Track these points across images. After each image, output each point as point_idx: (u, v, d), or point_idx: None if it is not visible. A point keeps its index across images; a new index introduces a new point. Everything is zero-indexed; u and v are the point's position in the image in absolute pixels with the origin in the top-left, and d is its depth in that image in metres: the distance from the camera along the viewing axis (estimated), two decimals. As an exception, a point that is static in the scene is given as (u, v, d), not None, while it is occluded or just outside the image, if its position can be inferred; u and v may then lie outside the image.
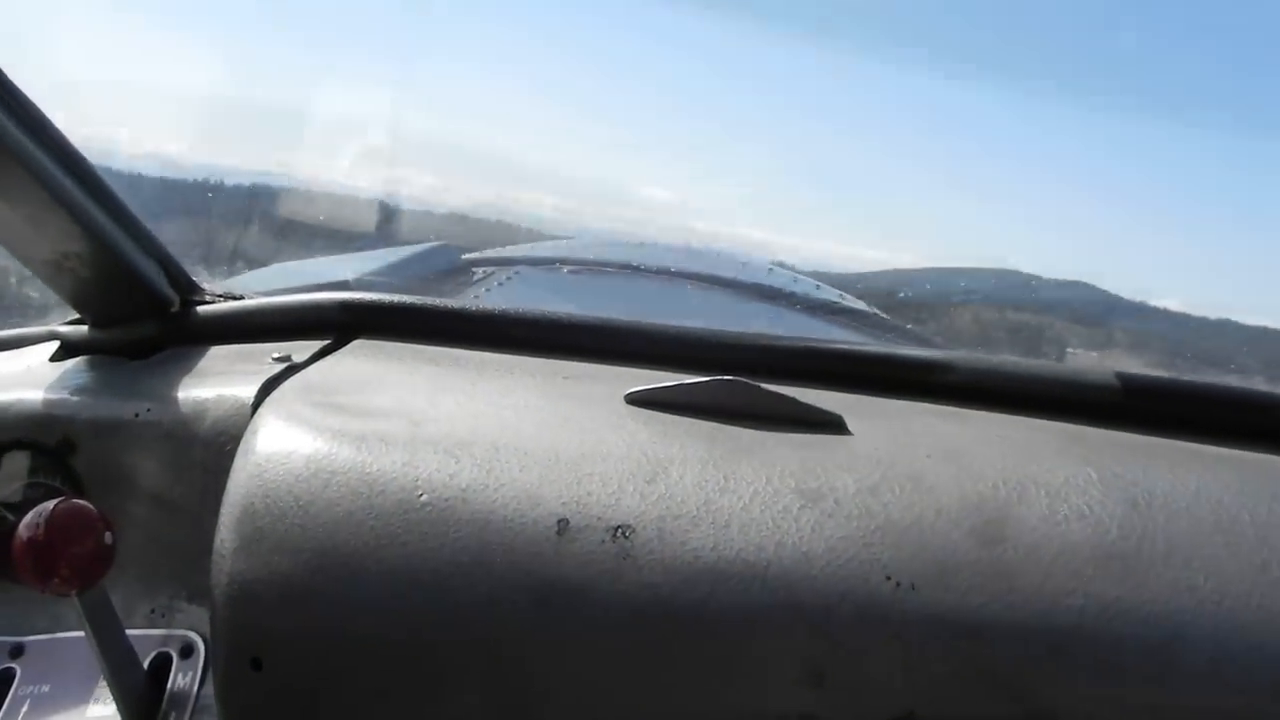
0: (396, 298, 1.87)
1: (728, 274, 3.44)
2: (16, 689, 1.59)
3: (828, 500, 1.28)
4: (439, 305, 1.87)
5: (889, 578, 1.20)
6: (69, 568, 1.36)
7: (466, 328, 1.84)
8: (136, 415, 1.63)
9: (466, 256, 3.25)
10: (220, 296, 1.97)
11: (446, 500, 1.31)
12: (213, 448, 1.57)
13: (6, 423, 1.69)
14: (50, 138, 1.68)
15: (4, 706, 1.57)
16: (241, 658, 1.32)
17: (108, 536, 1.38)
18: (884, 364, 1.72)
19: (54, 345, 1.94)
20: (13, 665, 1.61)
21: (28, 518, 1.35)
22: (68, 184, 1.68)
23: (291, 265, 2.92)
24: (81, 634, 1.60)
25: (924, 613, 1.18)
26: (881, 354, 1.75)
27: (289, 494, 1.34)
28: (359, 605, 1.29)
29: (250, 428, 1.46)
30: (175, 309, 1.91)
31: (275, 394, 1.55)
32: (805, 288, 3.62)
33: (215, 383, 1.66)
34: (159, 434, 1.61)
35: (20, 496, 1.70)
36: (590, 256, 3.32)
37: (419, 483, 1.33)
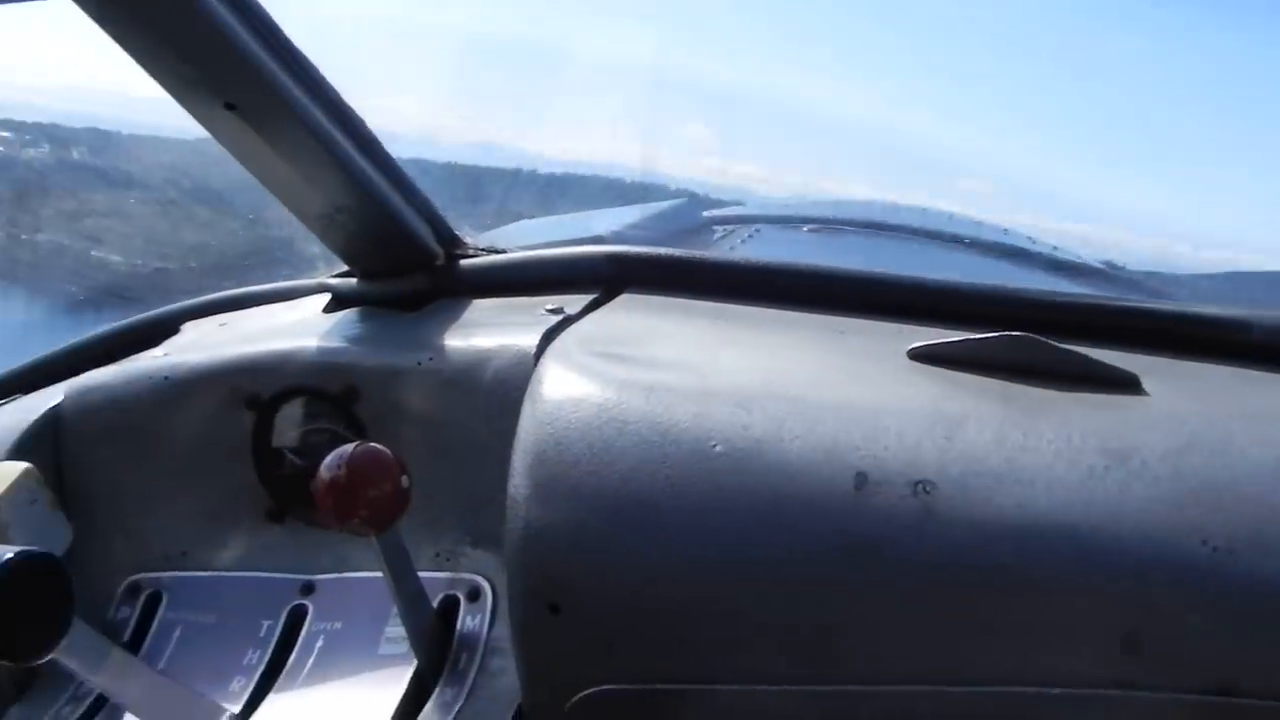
0: (665, 251, 1.93)
1: (968, 233, 3.41)
2: (310, 624, 1.71)
3: (1134, 461, 1.27)
4: (708, 259, 1.93)
5: (1205, 542, 1.19)
6: (368, 509, 1.45)
7: (736, 282, 1.88)
8: (419, 364, 1.73)
9: (708, 214, 3.30)
10: (482, 250, 2.06)
11: (740, 451, 1.36)
12: (495, 396, 1.66)
13: (290, 370, 1.82)
14: (326, 95, 1.79)
15: (299, 640, 1.70)
16: (539, 603, 1.41)
17: (405, 480, 1.47)
18: (1178, 322, 1.70)
19: (325, 297, 2.07)
20: (304, 602, 1.74)
21: (328, 460, 1.46)
22: (342, 140, 1.79)
23: (541, 221, 3.03)
24: (368, 574, 1.73)
25: (1244, 579, 1.18)
26: (1174, 312, 1.72)
27: (581, 441, 1.41)
28: (656, 553, 1.35)
29: (535, 377, 1.54)
30: (440, 262, 2.02)
31: (556, 344, 1.63)
32: (1043, 248, 3.56)
33: (493, 333, 1.74)
34: (441, 382, 1.71)
35: (301, 442, 1.83)
36: (828, 215, 3.33)
37: (712, 434, 1.38)
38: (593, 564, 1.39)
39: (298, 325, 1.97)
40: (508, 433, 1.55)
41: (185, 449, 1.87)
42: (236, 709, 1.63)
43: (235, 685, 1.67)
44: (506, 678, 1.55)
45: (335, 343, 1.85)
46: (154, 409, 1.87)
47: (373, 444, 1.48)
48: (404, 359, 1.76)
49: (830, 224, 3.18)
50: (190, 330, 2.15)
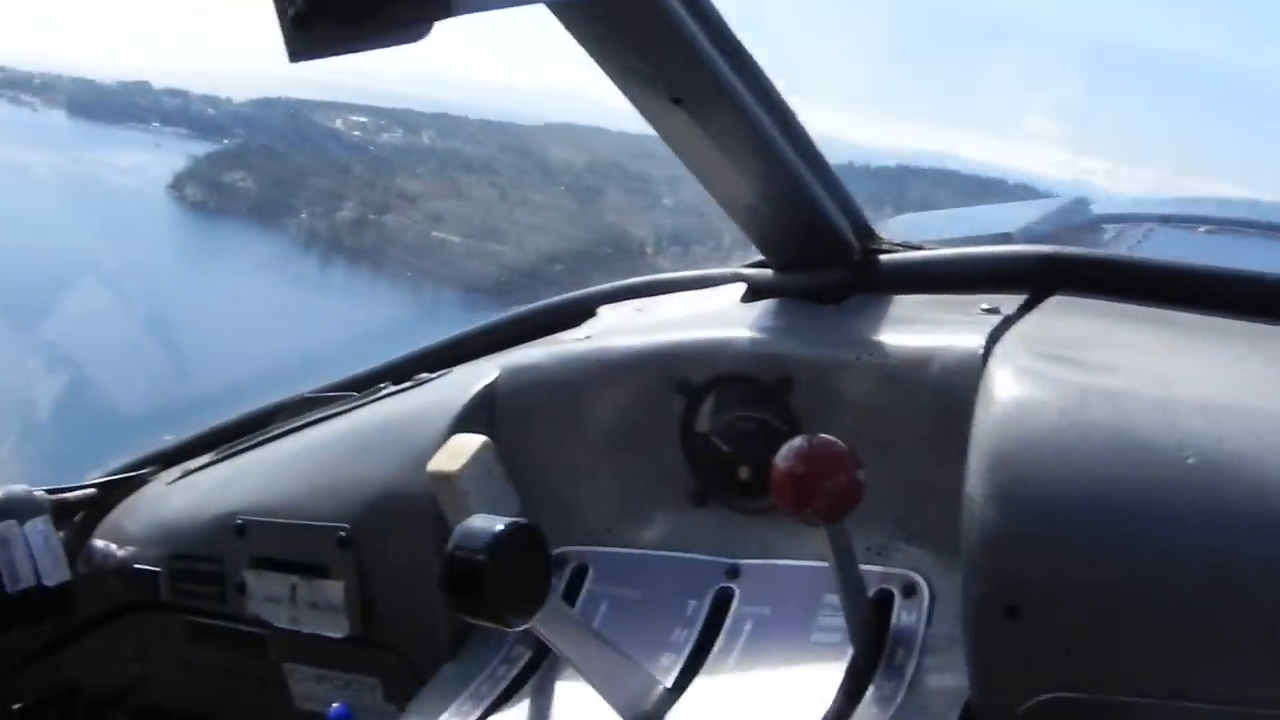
0: (1102, 253, 1.91)
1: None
2: (737, 608, 1.77)
3: None
4: (1147, 262, 1.89)
5: None
6: (824, 500, 1.49)
7: (1172, 286, 1.84)
8: (858, 358, 1.76)
9: (1098, 213, 3.22)
10: (899, 246, 2.07)
11: (1216, 465, 1.34)
12: (941, 393, 1.67)
13: (722, 358, 1.88)
14: (765, 89, 1.84)
15: (726, 622, 1.76)
16: (997, 605, 1.42)
17: (860, 473, 1.50)
18: None
19: (739, 287, 2.13)
20: (730, 585, 1.80)
21: (785, 450, 1.51)
22: (777, 134, 1.84)
23: (938, 214, 3.02)
24: (795, 562, 1.78)
25: None
26: None
27: (1044, 446, 1.42)
28: (1125, 561, 1.35)
29: (987, 378, 1.55)
30: (858, 256, 2.04)
31: (1002, 345, 1.63)
32: None
33: (932, 331, 1.76)
34: (881, 376, 1.73)
35: (728, 428, 1.89)
36: (1217, 214, 3.19)
37: (1184, 445, 1.36)
38: (1056, 569, 1.39)
39: (721, 314, 2.04)
40: (953, 431, 1.56)
41: (612, 429, 1.96)
42: (668, 683, 1.71)
43: (664, 660, 1.75)
44: (947, 676, 1.56)
45: (766, 333, 1.90)
46: (585, 389, 1.97)
47: (828, 437, 1.51)
48: (841, 352, 1.79)
49: (1228, 225, 3.04)
50: (607, 314, 2.25)
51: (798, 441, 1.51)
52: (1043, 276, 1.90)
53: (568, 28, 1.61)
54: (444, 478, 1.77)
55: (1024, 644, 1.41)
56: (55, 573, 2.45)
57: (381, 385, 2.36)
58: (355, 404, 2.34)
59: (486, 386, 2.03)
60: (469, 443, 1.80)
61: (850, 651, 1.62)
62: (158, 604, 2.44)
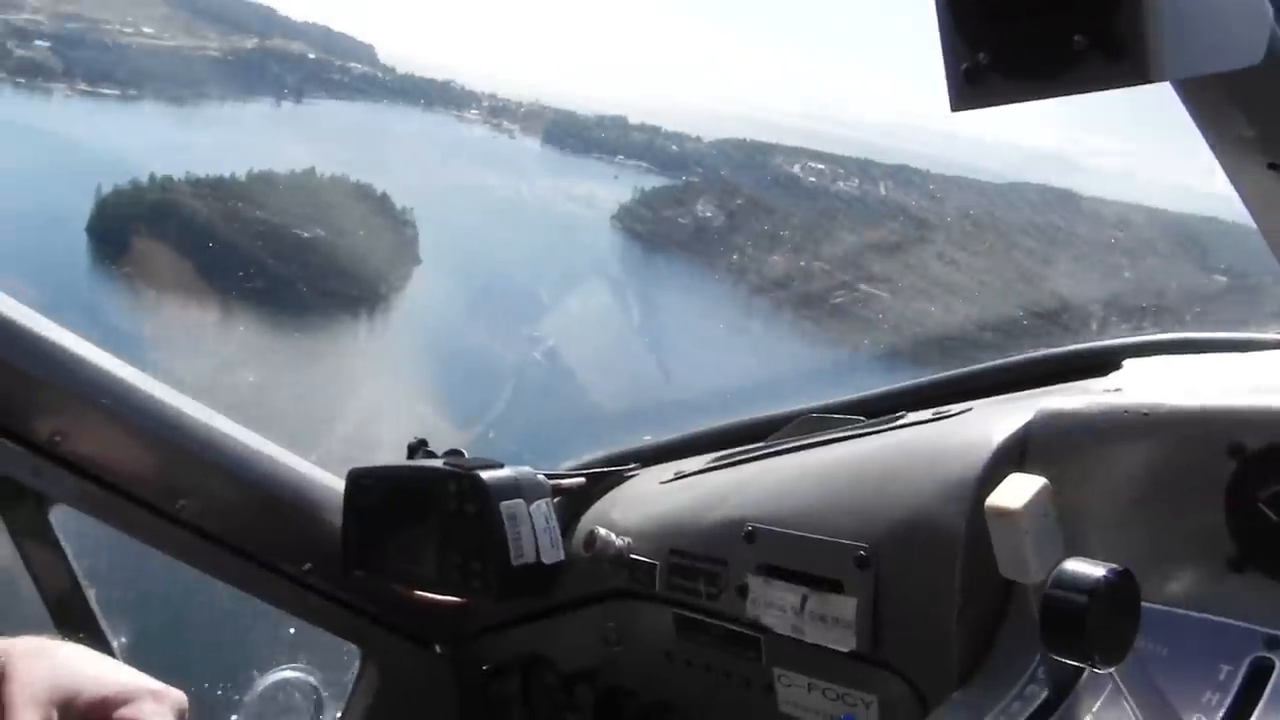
0: None
1: None
2: (1278, 679, 1.82)
3: None
4: None
5: None
6: None
7: None
8: None
9: None
10: None
11: None
12: None
13: None
14: None
15: (1266, 692, 1.81)
16: None
17: None
18: None
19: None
20: (1269, 655, 1.84)
21: None
22: None
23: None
24: None
25: None
26: None
27: None
28: None
29: None
30: None
31: None
32: None
33: None
34: None
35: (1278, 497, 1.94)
36: None
37: None
38: None
39: (1273, 380, 2.08)
40: None
41: (1146, 484, 2.04)
42: None
43: None
44: None
45: None
46: (1123, 441, 2.05)
47: None
48: None
49: None
50: (1134, 367, 2.32)
51: None
52: None
53: (1183, 94, 1.71)
54: (1006, 515, 1.89)
55: None
56: (553, 552, 2.72)
57: (899, 413, 2.52)
58: (872, 428, 2.50)
59: (1022, 427, 2.15)
60: (1030, 484, 1.91)
61: None
62: (649, 595, 2.67)
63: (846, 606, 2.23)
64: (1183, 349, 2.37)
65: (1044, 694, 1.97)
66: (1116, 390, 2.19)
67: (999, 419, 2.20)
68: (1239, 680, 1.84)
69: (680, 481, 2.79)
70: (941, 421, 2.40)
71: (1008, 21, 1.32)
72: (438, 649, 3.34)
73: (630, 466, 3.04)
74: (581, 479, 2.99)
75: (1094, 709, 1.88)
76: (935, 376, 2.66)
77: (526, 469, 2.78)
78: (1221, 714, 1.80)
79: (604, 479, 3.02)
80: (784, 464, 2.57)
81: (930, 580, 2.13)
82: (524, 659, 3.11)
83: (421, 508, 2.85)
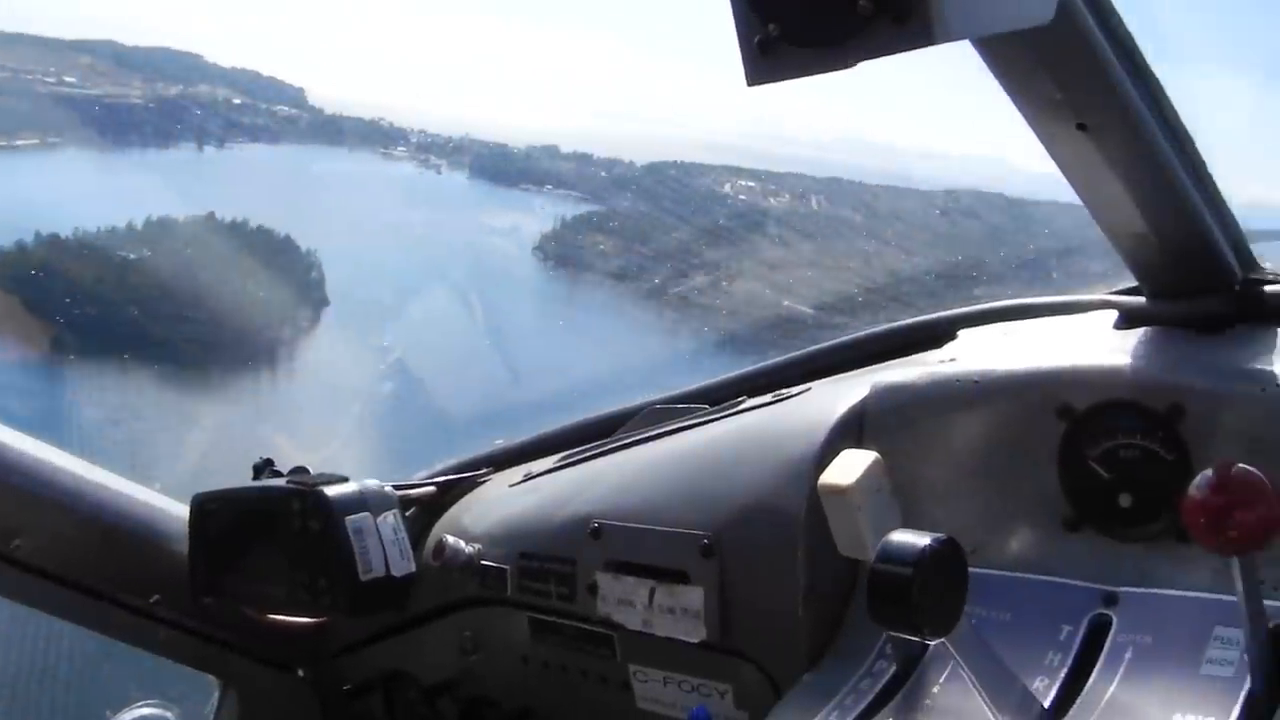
0: None
1: None
2: (1115, 635, 1.83)
3: None
4: None
5: None
6: (1239, 531, 1.54)
7: None
8: (1264, 389, 1.80)
9: None
10: (1281, 275, 2.10)
11: None
12: None
13: (1109, 384, 1.95)
14: (1162, 106, 1.89)
15: (1104, 649, 1.82)
16: None
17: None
18: None
19: (1110, 314, 2.18)
20: (1107, 612, 1.86)
21: (1200, 479, 1.56)
22: (1171, 154, 1.89)
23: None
24: (1178, 592, 1.82)
25: None
26: None
27: None
28: None
29: None
30: (1239, 285, 2.07)
31: None
32: None
33: None
34: None
35: (1108, 455, 1.95)
36: None
37: None
38: None
39: (1100, 340, 2.09)
40: None
41: (983, 451, 2.05)
42: (1045, 704, 1.77)
43: (1038, 684, 1.81)
44: None
45: (1154, 360, 1.96)
46: (958, 410, 2.06)
47: (1246, 467, 1.56)
48: (1240, 382, 1.83)
49: None
50: (969, 337, 2.33)
51: (1213, 470, 1.56)
52: None
53: (987, 57, 1.71)
54: (837, 492, 1.88)
55: None
56: (403, 564, 2.66)
57: (739, 399, 2.50)
58: (713, 415, 2.48)
59: (858, 404, 2.14)
60: (861, 458, 1.90)
61: (1246, 685, 1.65)
62: (501, 600, 2.62)
63: (693, 597, 2.21)
64: (1014, 315, 2.38)
65: (892, 669, 1.97)
66: (951, 360, 2.20)
67: (836, 397, 2.20)
68: (1079, 639, 1.85)
69: (529, 483, 2.74)
70: (780, 404, 2.38)
71: None
72: (299, 672, 3.24)
73: (482, 472, 2.99)
74: (432, 488, 2.93)
75: (941, 679, 1.87)
76: (775, 360, 2.65)
77: (372, 482, 2.71)
78: (1064, 673, 1.82)
79: (456, 486, 2.96)
80: (629, 458, 2.54)
81: (774, 564, 2.12)
82: (385, 675, 3.04)
83: (268, 528, 2.77)
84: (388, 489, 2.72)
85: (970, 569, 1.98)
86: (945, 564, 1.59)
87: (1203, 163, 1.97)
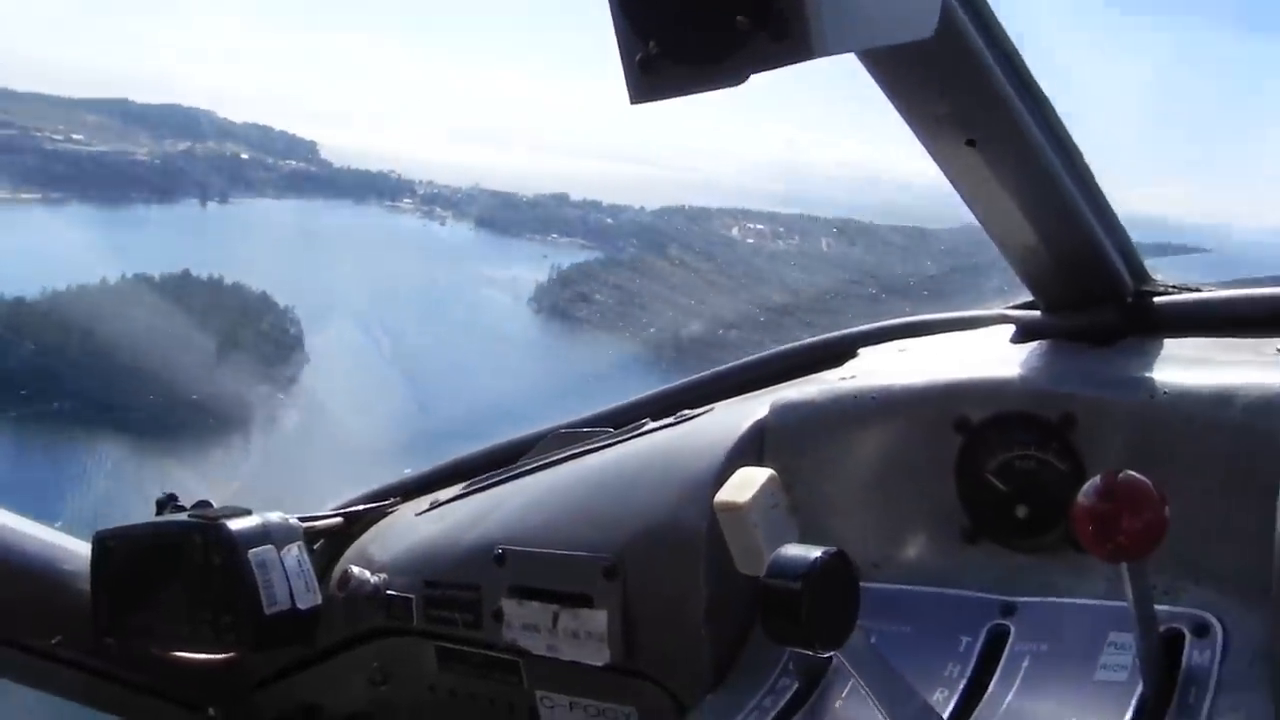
0: None
1: None
2: (1013, 644, 1.83)
3: None
4: None
5: None
6: (1127, 537, 1.54)
7: None
8: (1151, 397, 1.81)
9: None
10: (1174, 287, 2.12)
11: None
12: (1242, 433, 1.71)
13: (1003, 397, 1.96)
14: (1055, 128, 1.91)
15: (1002, 659, 1.82)
16: None
17: (1167, 511, 1.55)
18: None
19: (1007, 328, 2.20)
20: (1005, 622, 1.86)
21: (1088, 487, 1.57)
22: (1060, 168, 1.91)
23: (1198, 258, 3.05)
24: (1074, 600, 1.83)
25: None
26: None
27: None
28: None
29: None
30: (1131, 298, 2.09)
31: None
32: None
33: (1226, 371, 1.80)
34: (1177, 417, 1.78)
35: (1004, 467, 1.96)
36: None
37: None
38: None
39: (994, 354, 2.11)
40: (1254, 470, 1.61)
41: (883, 466, 2.05)
42: (944, 715, 1.77)
43: (938, 695, 1.81)
44: (1243, 715, 1.59)
45: (1047, 372, 1.97)
46: (857, 426, 2.06)
47: (1133, 474, 1.56)
48: (1129, 391, 1.84)
49: None
50: (869, 354, 2.34)
51: (1101, 478, 1.56)
52: None
53: (876, 74, 1.71)
54: (733, 509, 1.86)
55: None
56: (308, 597, 2.60)
57: (642, 421, 2.48)
58: (617, 438, 2.47)
59: (757, 422, 2.14)
60: (756, 476, 1.89)
61: (1139, 690, 1.66)
62: (408, 630, 2.58)
63: (597, 620, 2.19)
64: (914, 332, 2.40)
65: (795, 686, 1.95)
66: (851, 378, 2.20)
67: (736, 416, 2.20)
68: (977, 649, 1.85)
69: (435, 511, 2.71)
70: (682, 425, 2.38)
71: (672, 7, 1.30)
72: (210, 711, 3.17)
73: (390, 501, 2.95)
74: (340, 519, 2.89)
75: (844, 694, 1.87)
76: (680, 382, 2.65)
77: (275, 514, 2.66)
78: (963, 684, 1.81)
79: (364, 517, 2.92)
80: (533, 483, 2.52)
81: (676, 584, 2.10)
82: (298, 710, 2.98)
83: (170, 564, 2.70)
84: (293, 521, 2.67)
85: (872, 584, 1.99)
86: (835, 577, 1.58)
87: (1091, 176, 1.99)
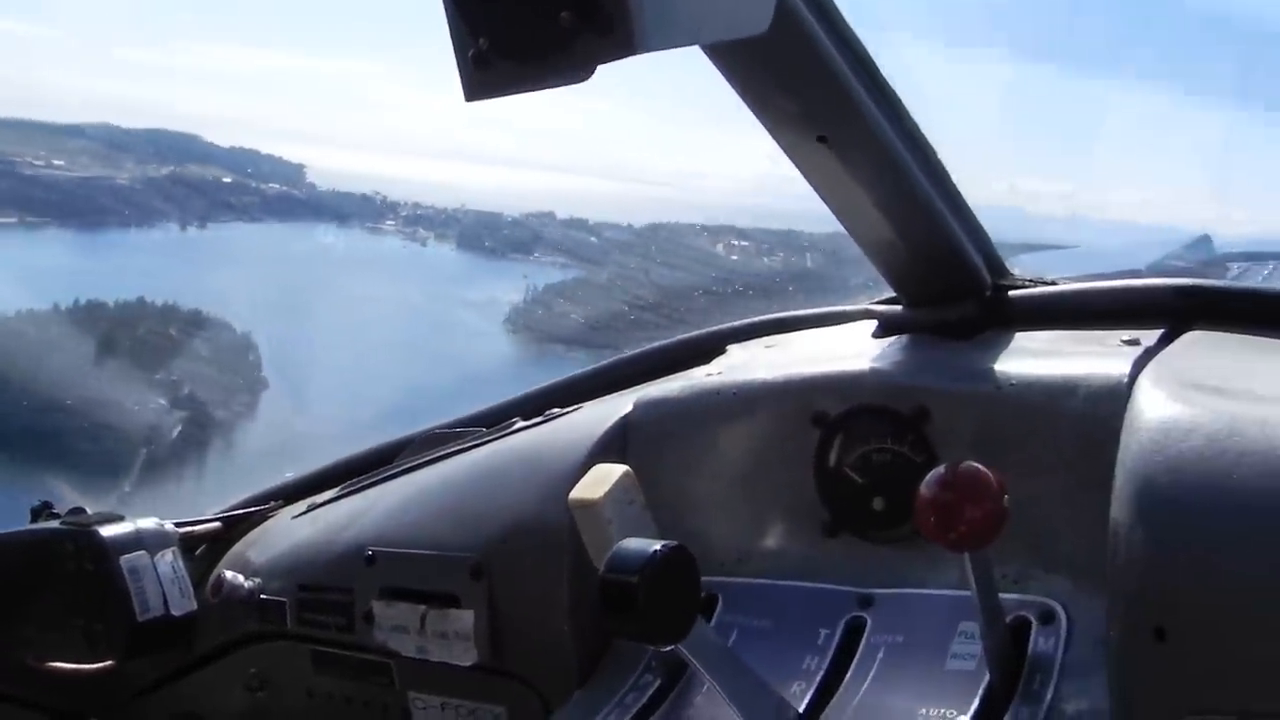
0: (1241, 285, 1.97)
1: None
2: (869, 636, 1.84)
3: None
4: None
5: None
6: (968, 527, 1.55)
7: None
8: (998, 389, 1.83)
9: (1222, 251, 3.28)
10: (1031, 281, 2.15)
11: None
12: (1084, 422, 1.74)
13: (860, 390, 1.97)
14: (906, 125, 1.93)
15: (859, 650, 1.83)
16: (1144, 629, 1.48)
17: (1006, 500, 1.56)
18: None
19: (870, 323, 2.21)
20: (862, 614, 1.87)
21: (930, 477, 1.57)
22: (913, 166, 1.92)
23: (1059, 253, 3.09)
24: (928, 591, 1.84)
25: None
26: None
27: (1195, 469, 1.48)
28: (1272, 582, 1.40)
29: (1134, 404, 1.63)
30: (989, 292, 2.11)
31: (1147, 374, 1.70)
32: None
33: (1072, 362, 1.83)
34: (1023, 407, 1.81)
35: (861, 460, 1.97)
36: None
37: None
38: (1208, 591, 1.44)
39: (855, 349, 2.12)
40: (1095, 459, 1.63)
41: (745, 461, 2.05)
42: (800, 709, 1.77)
43: (796, 688, 1.82)
44: (1085, 701, 1.61)
45: (902, 366, 1.98)
46: (719, 422, 2.06)
47: (974, 464, 1.57)
48: (979, 384, 1.86)
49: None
50: (737, 351, 2.34)
51: (943, 469, 1.57)
52: (1179, 309, 1.97)
53: (725, 72, 1.71)
54: (587, 506, 1.85)
55: (1171, 666, 1.47)
56: (183, 603, 2.56)
57: (512, 420, 2.47)
58: (486, 438, 2.45)
59: (621, 419, 2.14)
60: (610, 472, 1.88)
61: (986, 678, 1.68)
62: (283, 634, 2.54)
63: (464, 620, 2.17)
64: (783, 328, 2.40)
65: (658, 682, 1.95)
66: (717, 374, 2.20)
67: (602, 414, 2.19)
68: (835, 642, 1.86)
69: (310, 514, 2.67)
70: (549, 423, 2.37)
71: (501, 4, 1.29)
72: None
73: (270, 505, 2.90)
74: (218, 523, 2.84)
75: (705, 689, 1.86)
76: (550, 382, 2.63)
77: (149, 520, 2.61)
78: (820, 676, 1.82)
79: (244, 521, 2.87)
80: (404, 484, 2.49)
81: (541, 583, 2.09)
82: (177, 718, 2.93)
83: (42, 572, 2.64)
84: (168, 527, 2.63)
85: (735, 578, 2.00)
86: (675, 570, 1.57)
87: (945, 171, 2.01)
